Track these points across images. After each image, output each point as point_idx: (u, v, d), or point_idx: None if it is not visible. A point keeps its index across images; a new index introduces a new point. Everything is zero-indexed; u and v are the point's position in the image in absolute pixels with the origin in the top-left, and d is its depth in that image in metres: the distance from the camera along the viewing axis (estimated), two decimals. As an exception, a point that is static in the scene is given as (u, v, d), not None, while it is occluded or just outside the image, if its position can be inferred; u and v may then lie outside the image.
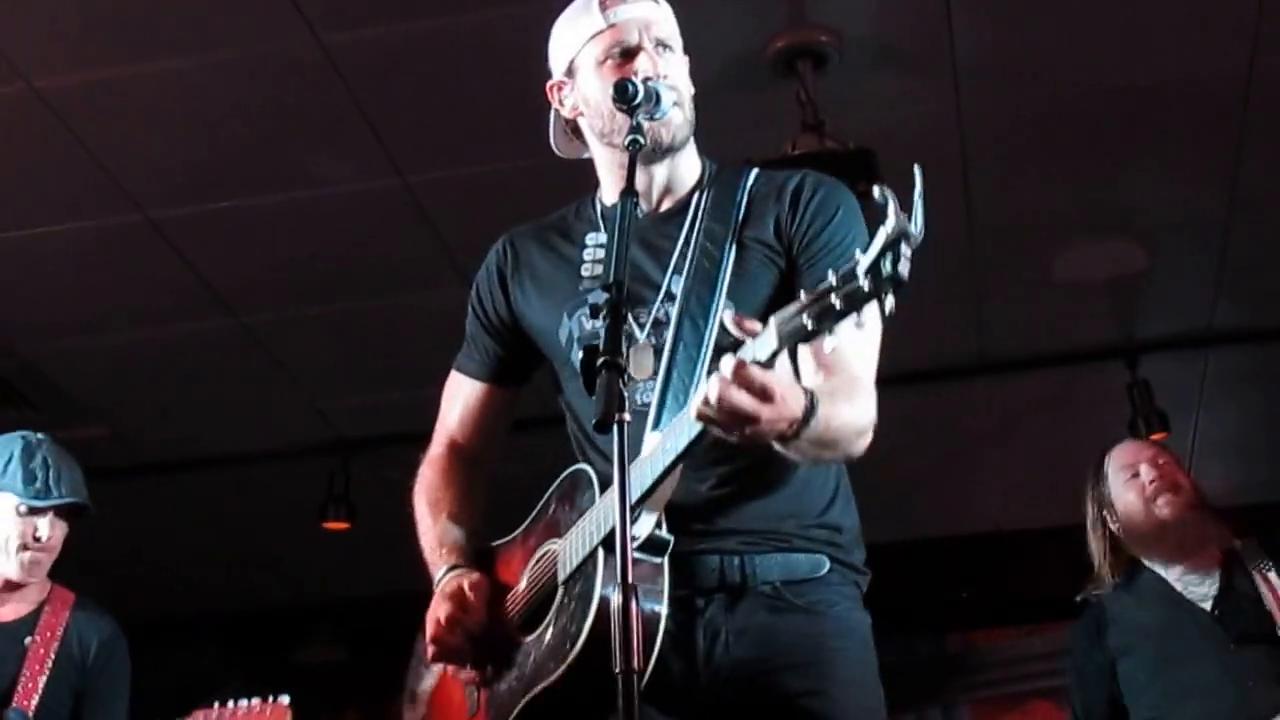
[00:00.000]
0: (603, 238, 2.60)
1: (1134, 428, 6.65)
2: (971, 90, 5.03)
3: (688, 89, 2.58)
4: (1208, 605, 4.00)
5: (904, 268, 1.90)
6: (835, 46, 4.76)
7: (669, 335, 2.46)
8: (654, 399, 2.42)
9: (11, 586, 3.98)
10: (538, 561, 2.52)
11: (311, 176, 5.34)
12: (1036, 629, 8.52)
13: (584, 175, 2.74)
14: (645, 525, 2.30)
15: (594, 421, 2.08)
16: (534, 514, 2.60)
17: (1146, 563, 4.10)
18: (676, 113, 2.51)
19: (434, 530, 2.67)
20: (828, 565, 2.47)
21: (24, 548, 3.92)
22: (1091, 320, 6.61)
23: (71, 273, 5.83)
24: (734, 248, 2.51)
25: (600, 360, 2.09)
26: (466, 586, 2.52)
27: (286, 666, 8.98)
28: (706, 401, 2.08)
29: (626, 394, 2.23)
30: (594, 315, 2.39)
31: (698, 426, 2.15)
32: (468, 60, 4.77)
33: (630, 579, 1.96)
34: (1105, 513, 4.14)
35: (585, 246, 2.62)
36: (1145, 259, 6.11)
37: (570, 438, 2.65)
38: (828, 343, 2.01)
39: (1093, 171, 5.55)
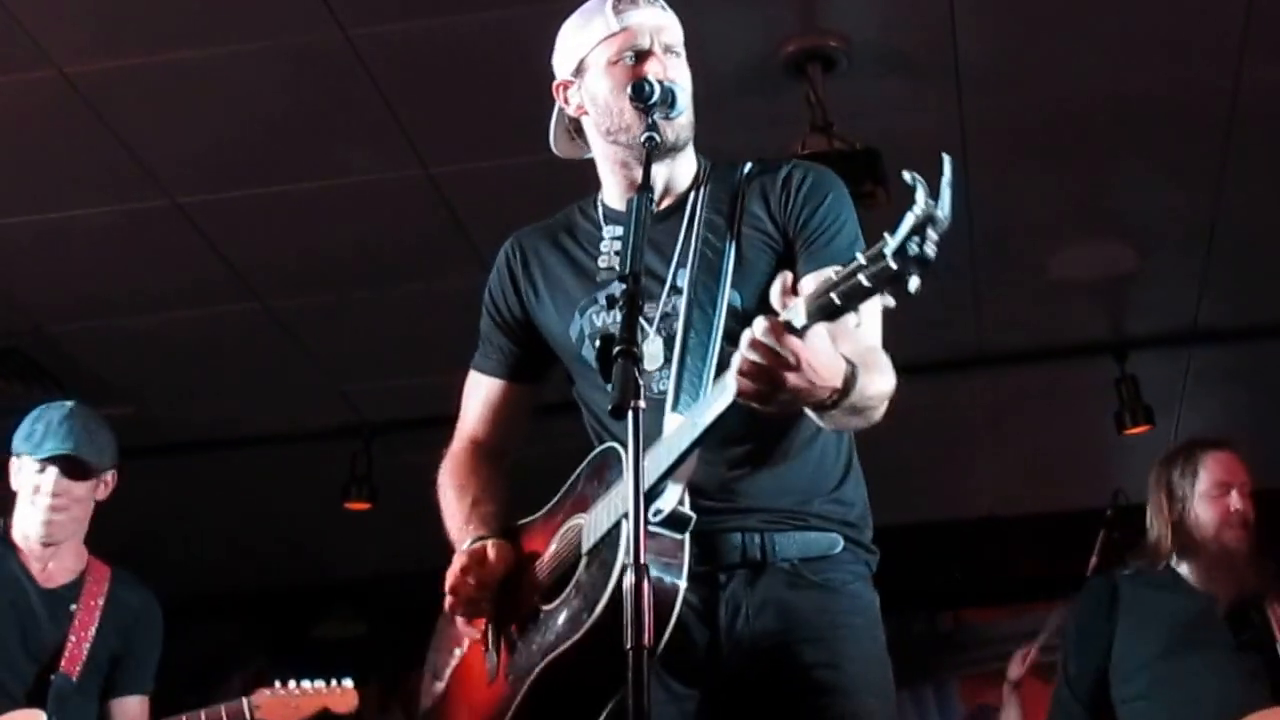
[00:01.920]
0: (616, 231, 2.61)
1: (1120, 421, 6.76)
2: (973, 95, 5.06)
3: (691, 89, 2.60)
4: (1221, 610, 4.03)
5: (930, 249, 1.94)
6: (843, 51, 4.80)
7: (679, 325, 2.48)
8: (670, 385, 2.45)
9: (45, 547, 4.01)
10: (563, 534, 2.54)
11: (336, 165, 5.36)
12: (1025, 608, 8.53)
13: (595, 171, 2.76)
14: (670, 499, 2.32)
15: (610, 408, 2.10)
16: (561, 492, 2.62)
17: (1178, 562, 4.11)
18: (688, 111, 2.55)
19: (459, 513, 2.70)
20: (841, 544, 2.50)
21: (34, 503, 3.96)
22: (1082, 317, 6.67)
23: (100, 256, 5.84)
24: (734, 237, 2.54)
25: (616, 349, 2.11)
26: (489, 545, 2.57)
27: (308, 641, 9.02)
28: (744, 358, 2.09)
29: (642, 384, 2.26)
30: (610, 306, 2.40)
31: (728, 399, 2.18)
32: (489, 55, 4.79)
33: (643, 558, 1.99)
34: (1173, 504, 4.11)
35: (602, 240, 2.64)
36: (1134, 260, 6.16)
37: (588, 430, 2.67)
38: (852, 319, 2.04)
39: (1086, 175, 5.60)
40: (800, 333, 2.09)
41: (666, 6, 2.65)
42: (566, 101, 2.68)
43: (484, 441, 2.81)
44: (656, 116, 2.46)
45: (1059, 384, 7.10)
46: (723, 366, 2.35)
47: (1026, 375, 7.01)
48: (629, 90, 2.49)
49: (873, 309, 2.32)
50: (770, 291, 2.17)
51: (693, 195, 2.62)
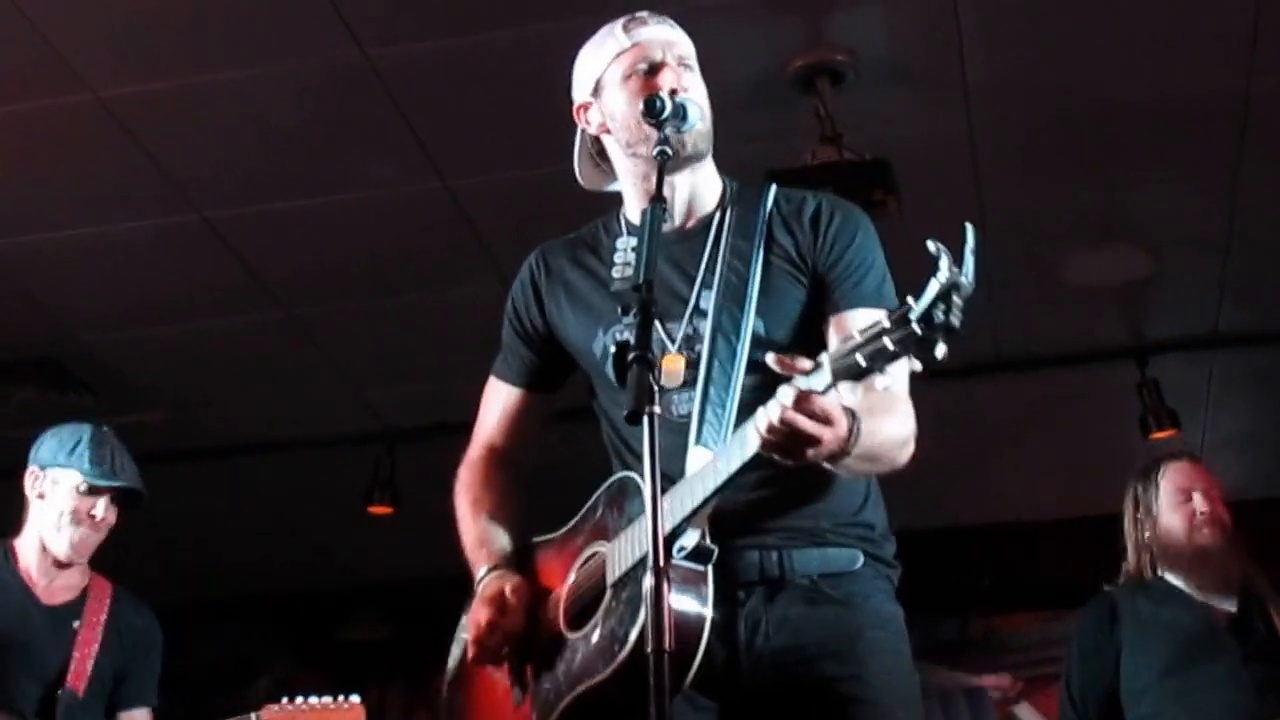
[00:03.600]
0: (633, 242, 2.61)
1: (1145, 425, 6.70)
2: (981, 105, 5.07)
3: (707, 102, 2.63)
4: (1224, 621, 4.04)
5: (956, 317, 1.96)
6: (851, 65, 4.82)
7: (703, 350, 2.49)
8: (694, 411, 2.46)
9: (58, 567, 4.03)
10: (585, 562, 2.53)
11: (358, 180, 5.42)
12: (1056, 615, 8.50)
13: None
14: (692, 536, 2.33)
15: (626, 414, 2.11)
16: (580, 515, 2.62)
17: (1167, 574, 4.14)
18: (701, 124, 2.57)
19: (474, 529, 2.72)
20: (861, 560, 2.51)
21: (77, 523, 3.96)
22: (1103, 323, 6.65)
23: (132, 268, 5.93)
24: (761, 265, 2.55)
25: (631, 356, 2.12)
26: (508, 590, 2.56)
27: (333, 644, 9.04)
28: (771, 428, 2.12)
29: (661, 401, 2.27)
30: (624, 313, 2.40)
31: (752, 450, 2.19)
32: (505, 73, 4.83)
33: (663, 564, 2.02)
34: (1144, 518, 4.17)
35: (616, 251, 2.65)
36: (1152, 265, 6.14)
37: (606, 442, 2.69)
38: (879, 381, 2.06)
39: (1100, 182, 5.59)
40: (824, 392, 2.12)
41: (675, 25, 2.68)
42: (588, 122, 2.70)
43: (500, 448, 2.82)
44: (669, 130, 2.48)
45: (1082, 389, 7.06)
46: (745, 397, 2.43)
47: (1048, 381, 6.99)
48: (641, 105, 2.51)
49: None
50: (769, 359, 2.19)
51: (718, 217, 2.63)
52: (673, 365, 2.45)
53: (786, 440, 2.14)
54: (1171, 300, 6.45)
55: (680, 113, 2.51)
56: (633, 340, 2.16)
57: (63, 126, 5.06)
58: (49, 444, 4.06)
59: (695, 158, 2.60)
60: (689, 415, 2.47)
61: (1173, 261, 6.12)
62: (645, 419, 2.09)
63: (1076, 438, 7.54)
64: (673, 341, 2.53)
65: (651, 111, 2.48)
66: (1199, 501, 4.14)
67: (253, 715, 3.87)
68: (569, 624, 2.51)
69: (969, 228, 1.98)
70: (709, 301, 2.54)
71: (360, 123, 5.12)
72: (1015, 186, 5.55)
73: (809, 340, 2.48)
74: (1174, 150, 5.39)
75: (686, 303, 2.56)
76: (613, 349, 2.31)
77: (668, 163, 2.47)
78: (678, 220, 2.65)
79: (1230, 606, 4.07)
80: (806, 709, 2.42)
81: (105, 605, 4.07)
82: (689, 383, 2.49)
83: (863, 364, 2.04)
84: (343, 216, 5.61)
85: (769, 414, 2.13)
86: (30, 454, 4.09)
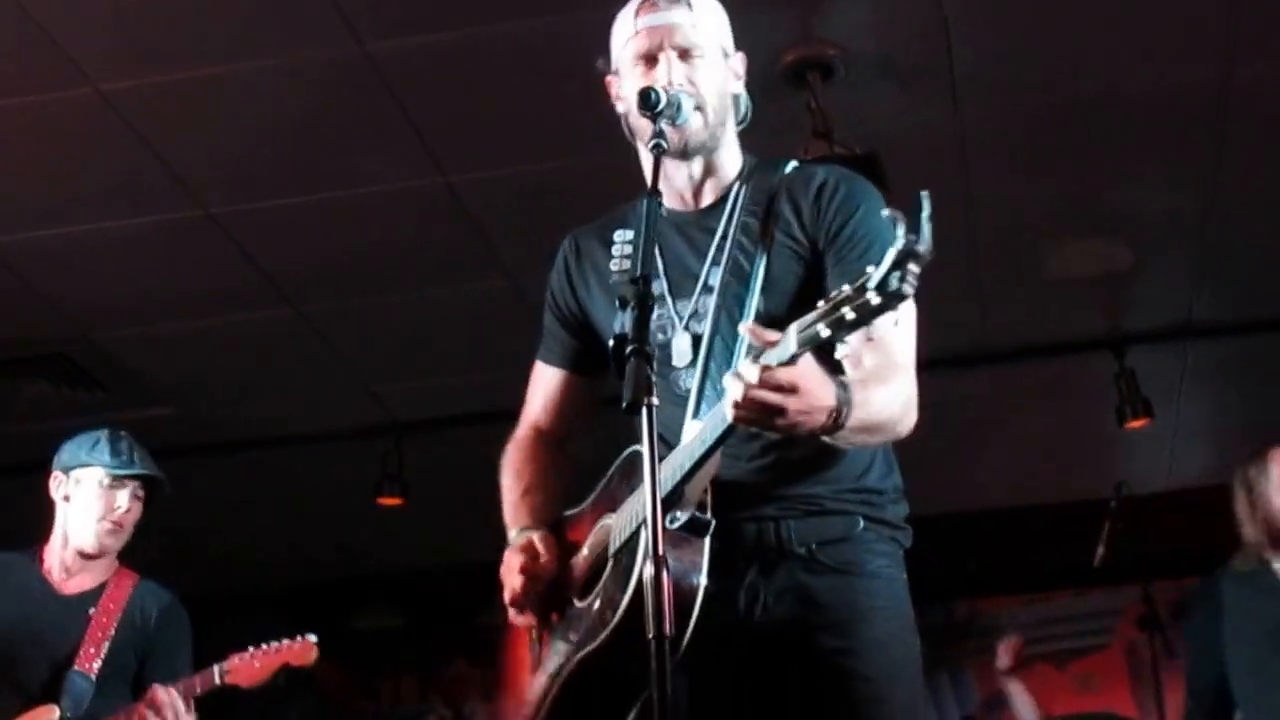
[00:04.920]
0: (629, 234, 2.58)
1: (1120, 414, 6.72)
2: (969, 99, 5.03)
3: (716, 92, 2.56)
4: None
5: (910, 285, 1.92)
6: (841, 59, 4.77)
7: (707, 327, 2.48)
8: (694, 387, 2.46)
9: (84, 559, 4.06)
10: (595, 534, 2.56)
11: (360, 175, 5.35)
12: (1038, 597, 8.55)
13: (615, 176, 2.74)
14: (689, 505, 2.32)
15: (624, 405, 2.09)
16: (599, 487, 2.63)
17: (1273, 559, 4.11)
18: (696, 117, 2.50)
19: (512, 497, 2.72)
20: (861, 524, 2.46)
21: (103, 517, 4.01)
22: (1081, 314, 6.63)
23: (139, 264, 5.86)
24: (766, 243, 2.51)
25: (629, 349, 2.10)
26: (536, 539, 2.58)
27: (346, 634, 8.92)
28: (736, 403, 2.10)
29: (671, 377, 2.43)
30: (621, 307, 2.32)
31: (725, 423, 2.18)
32: (505, 67, 4.78)
33: (660, 550, 1.99)
34: (1252, 500, 4.15)
35: (614, 244, 2.61)
36: (1130, 257, 6.12)
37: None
38: (840, 349, 2.02)
39: (1081, 175, 5.56)
40: (791, 362, 2.08)
41: (692, 7, 2.58)
42: (616, 97, 2.66)
43: (544, 429, 2.81)
44: (663, 124, 2.42)
45: (1060, 379, 7.06)
46: None
47: (1028, 371, 6.97)
48: (635, 99, 2.46)
49: (907, 322, 2.35)
50: (740, 328, 2.21)
51: (732, 194, 2.59)
52: (679, 345, 2.48)
53: (753, 412, 2.11)
54: (1149, 291, 6.43)
55: (674, 105, 2.44)
56: (630, 333, 2.13)
57: (65, 121, 4.97)
58: (68, 449, 4.11)
59: (696, 150, 2.54)
60: (689, 390, 2.47)
61: (1151, 253, 6.10)
62: (644, 410, 2.07)
63: (1056, 426, 7.54)
64: (681, 319, 2.51)
65: (645, 104, 2.42)
66: None
67: (215, 667, 3.94)
68: (580, 591, 2.53)
69: (923, 195, 1.94)
70: (716, 278, 2.51)
71: (361, 118, 5.05)
72: (1001, 179, 5.52)
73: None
74: (1153, 142, 5.35)
75: (697, 279, 2.53)
76: (610, 341, 2.24)
77: (667, 154, 2.43)
78: (692, 200, 2.61)
79: None
80: (804, 680, 2.39)
81: (125, 593, 4.08)
82: (693, 361, 2.48)
83: (824, 333, 2.02)
84: (345, 211, 5.55)
85: (731, 387, 2.11)
86: (53, 461, 4.13)
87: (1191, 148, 5.36)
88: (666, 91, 2.44)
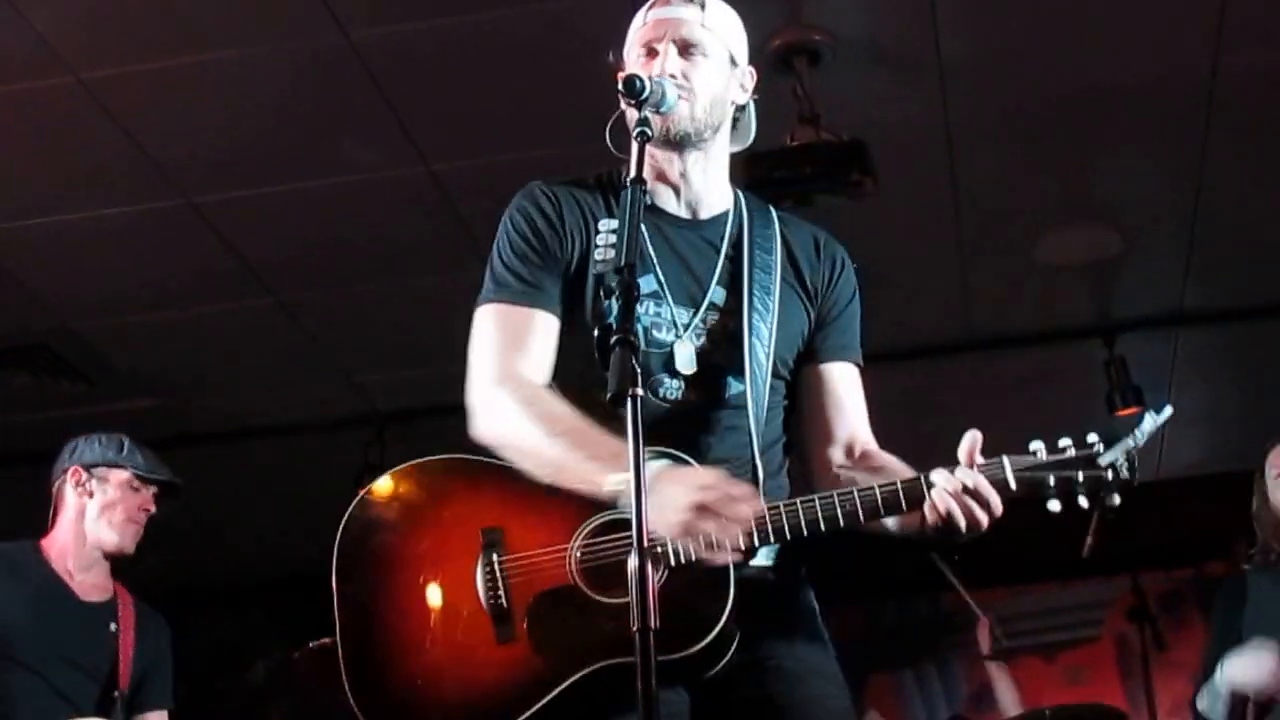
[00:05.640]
0: (614, 223, 2.51)
1: (1111, 402, 6.70)
2: (956, 86, 5.04)
3: (710, 91, 2.55)
4: None
5: (1136, 477, 2.25)
6: (829, 45, 4.78)
7: (704, 343, 2.51)
8: (681, 398, 2.48)
9: (99, 558, 4.11)
10: (610, 528, 2.38)
11: (342, 164, 5.35)
12: (1024, 589, 8.55)
13: (598, 165, 2.71)
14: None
15: (609, 396, 2.07)
16: None
17: None
18: (683, 106, 2.50)
19: (585, 434, 2.37)
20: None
21: (129, 517, 4.11)
22: (1071, 301, 6.65)
23: (120, 254, 5.85)
24: (781, 288, 2.58)
25: (614, 338, 2.09)
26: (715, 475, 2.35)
27: (326, 628, 9.00)
28: (958, 492, 2.31)
29: (653, 379, 2.42)
30: (607, 296, 2.30)
31: (916, 517, 2.37)
32: (490, 55, 4.78)
33: (645, 542, 1.98)
34: (1264, 501, 4.19)
35: (599, 233, 2.56)
36: (1120, 244, 6.13)
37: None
38: (1052, 505, 2.28)
39: (1070, 162, 5.58)
40: (1004, 491, 2.31)
41: (704, 6, 2.58)
42: None
43: (526, 376, 2.51)
44: (647, 111, 2.41)
45: (1050, 367, 7.07)
46: (773, 404, 2.53)
47: (1017, 359, 6.99)
48: (621, 84, 2.45)
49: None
50: (960, 451, 2.38)
51: (732, 219, 2.62)
52: (683, 352, 2.48)
53: (959, 514, 2.30)
54: (1138, 279, 6.45)
55: (658, 94, 2.44)
56: (615, 322, 2.12)
57: (44, 110, 4.98)
58: (90, 447, 4.19)
59: (681, 139, 2.54)
60: (667, 399, 2.48)
61: (1141, 240, 6.12)
62: (629, 400, 2.06)
63: (1045, 415, 7.49)
64: (682, 327, 2.52)
65: (630, 91, 2.42)
66: None
67: None
68: (592, 581, 2.38)
69: (1168, 409, 2.29)
70: (721, 299, 2.55)
71: (343, 106, 5.06)
72: (988, 166, 5.53)
73: (797, 362, 2.61)
74: (1142, 130, 5.38)
75: (701, 293, 2.55)
76: (596, 331, 2.21)
77: (648, 142, 2.40)
78: (687, 207, 2.62)
79: None
80: (754, 680, 2.45)
81: (131, 611, 4.16)
82: (695, 370, 2.49)
83: (1051, 485, 2.30)
84: (328, 200, 5.55)
85: (957, 489, 2.30)
86: (64, 458, 4.19)
87: (1180, 134, 5.38)
88: (652, 79, 2.44)
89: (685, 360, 2.47)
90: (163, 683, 4.21)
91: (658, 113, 2.46)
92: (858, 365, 2.67)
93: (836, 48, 4.81)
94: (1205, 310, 6.66)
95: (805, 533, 2.36)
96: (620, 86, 2.44)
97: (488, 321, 2.57)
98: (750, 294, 2.54)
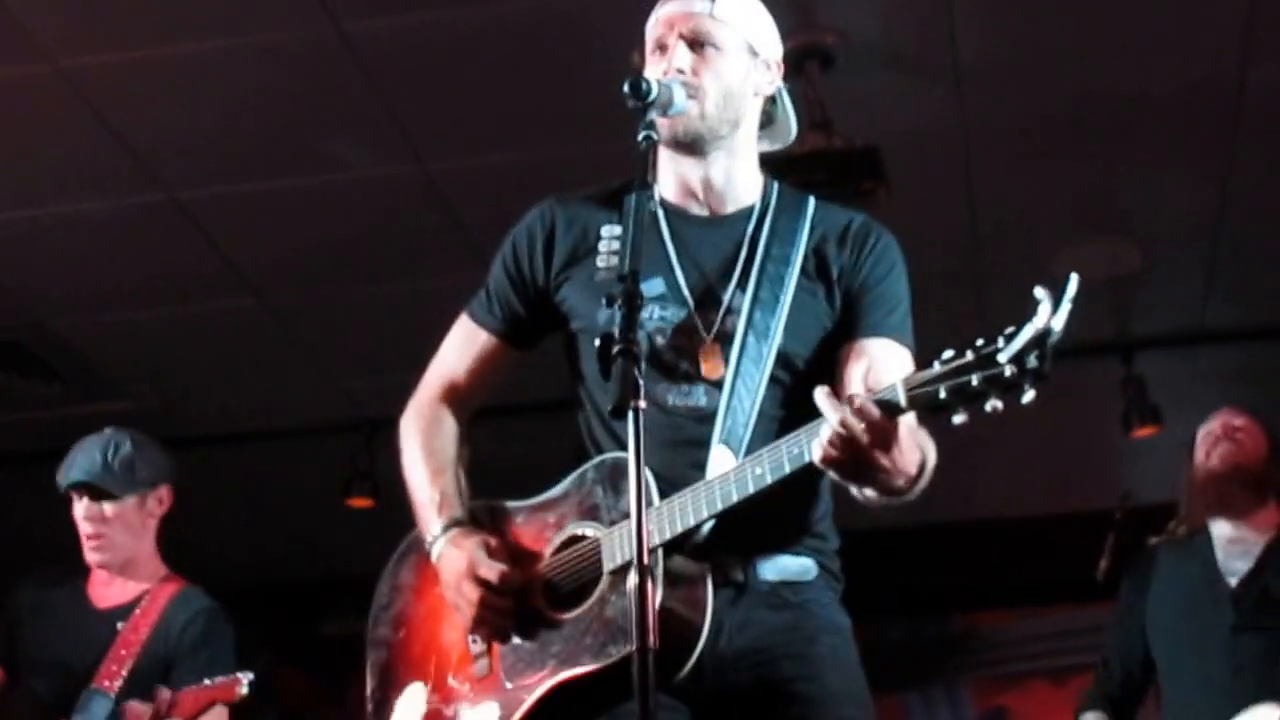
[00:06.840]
0: (619, 230, 2.48)
1: (1128, 421, 6.71)
2: (973, 92, 5.02)
3: (721, 86, 2.51)
4: (1234, 581, 3.98)
5: (1048, 365, 2.01)
6: (841, 48, 4.76)
7: (734, 351, 2.47)
8: (720, 410, 2.44)
9: (116, 575, 4.10)
10: (572, 542, 2.49)
11: (332, 161, 5.33)
12: (1036, 611, 8.57)
13: (600, 167, 2.68)
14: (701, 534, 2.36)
15: (610, 408, 2.07)
16: (559, 490, 2.56)
17: (1209, 524, 4.09)
18: (691, 106, 2.47)
19: (428, 477, 2.66)
20: (815, 571, 2.51)
21: (81, 533, 4.03)
22: (1088, 317, 6.57)
23: (98, 251, 5.83)
24: (797, 279, 2.52)
25: (616, 349, 2.08)
26: (489, 541, 2.51)
27: (313, 638, 8.94)
28: (832, 439, 2.11)
29: (657, 389, 2.42)
30: (609, 304, 2.28)
31: (803, 460, 2.20)
32: (487, 51, 4.76)
33: (646, 560, 1.99)
34: (1189, 470, 4.18)
35: (601, 239, 2.56)
36: (1140, 259, 6.10)
37: (584, 424, 2.61)
38: (956, 418, 2.06)
39: (1090, 173, 5.56)
40: (894, 414, 2.11)
41: None
42: None
43: (462, 395, 2.74)
44: (654, 114, 2.38)
45: (1065, 384, 6.99)
46: (763, 407, 2.45)
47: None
48: (628, 85, 2.41)
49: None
50: (815, 393, 2.16)
51: (757, 213, 2.58)
52: (710, 357, 2.47)
53: (845, 452, 2.13)
54: (1158, 295, 6.42)
55: (665, 96, 2.41)
56: (617, 332, 2.10)
57: (21, 99, 4.94)
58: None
59: (690, 141, 2.51)
60: (705, 409, 2.46)
61: (1161, 255, 6.09)
62: (631, 414, 2.05)
63: (1059, 434, 7.50)
64: (708, 331, 2.50)
65: (635, 94, 2.37)
66: (1211, 427, 4.17)
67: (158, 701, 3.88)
68: (555, 602, 2.47)
69: (1074, 277, 2.06)
70: (741, 300, 2.51)
71: (334, 101, 5.04)
72: (1005, 175, 5.51)
73: (823, 360, 2.50)
74: (1165, 142, 5.36)
75: (721, 294, 2.53)
76: (597, 341, 2.19)
77: (653, 146, 2.37)
78: (708, 206, 2.60)
79: (1247, 565, 4.00)
80: (765, 706, 2.44)
81: (160, 606, 4.09)
82: (720, 376, 2.48)
83: (943, 397, 2.06)
84: (317, 199, 5.54)
85: (830, 417, 2.11)
86: None
87: (1205, 146, 5.37)
88: (658, 81, 2.41)
89: (713, 365, 2.47)
90: (192, 665, 4.02)
91: (665, 115, 2.43)
92: (902, 344, 2.54)
93: (849, 50, 4.78)
94: (1227, 328, 6.64)
95: (694, 524, 2.32)
96: (626, 89, 2.39)
97: (452, 330, 2.78)
98: (756, 290, 2.51)
